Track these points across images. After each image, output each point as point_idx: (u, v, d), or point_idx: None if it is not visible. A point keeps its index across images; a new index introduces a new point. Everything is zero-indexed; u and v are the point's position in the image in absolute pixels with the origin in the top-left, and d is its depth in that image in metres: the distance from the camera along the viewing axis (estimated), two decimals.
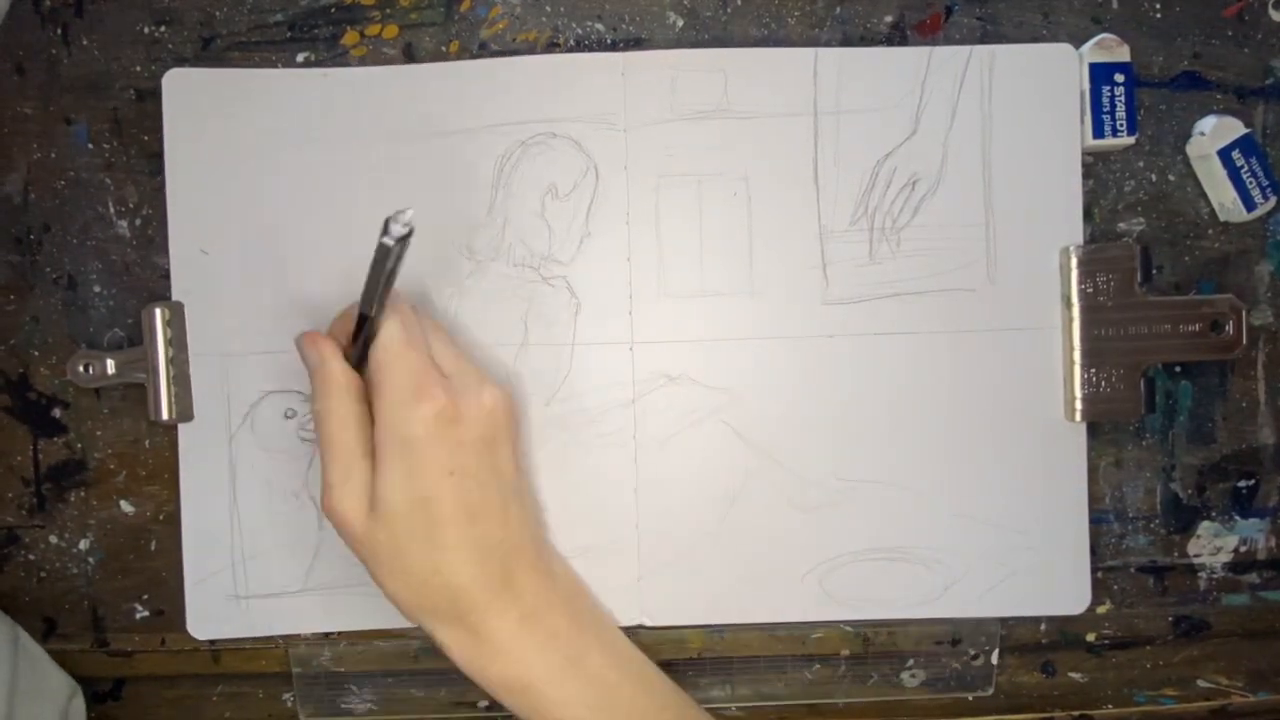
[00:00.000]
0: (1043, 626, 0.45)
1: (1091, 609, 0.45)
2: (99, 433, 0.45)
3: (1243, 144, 0.43)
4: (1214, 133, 0.43)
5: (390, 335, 0.36)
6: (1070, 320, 0.43)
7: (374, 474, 0.36)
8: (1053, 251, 0.43)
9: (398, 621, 0.44)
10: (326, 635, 0.45)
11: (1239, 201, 0.43)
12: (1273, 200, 0.43)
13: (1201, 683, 0.46)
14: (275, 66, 0.44)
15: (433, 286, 0.44)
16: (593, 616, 0.41)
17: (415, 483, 0.35)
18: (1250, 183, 0.43)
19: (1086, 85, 0.43)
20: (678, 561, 0.44)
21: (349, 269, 0.43)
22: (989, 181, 0.43)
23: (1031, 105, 0.43)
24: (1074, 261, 0.43)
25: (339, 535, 0.37)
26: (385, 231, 0.32)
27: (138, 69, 0.44)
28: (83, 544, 0.45)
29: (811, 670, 0.45)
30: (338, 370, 0.37)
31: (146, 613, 0.45)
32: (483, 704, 0.46)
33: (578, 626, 0.39)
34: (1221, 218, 0.44)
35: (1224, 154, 0.43)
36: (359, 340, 0.37)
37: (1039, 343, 0.44)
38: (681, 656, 0.45)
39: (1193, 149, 0.44)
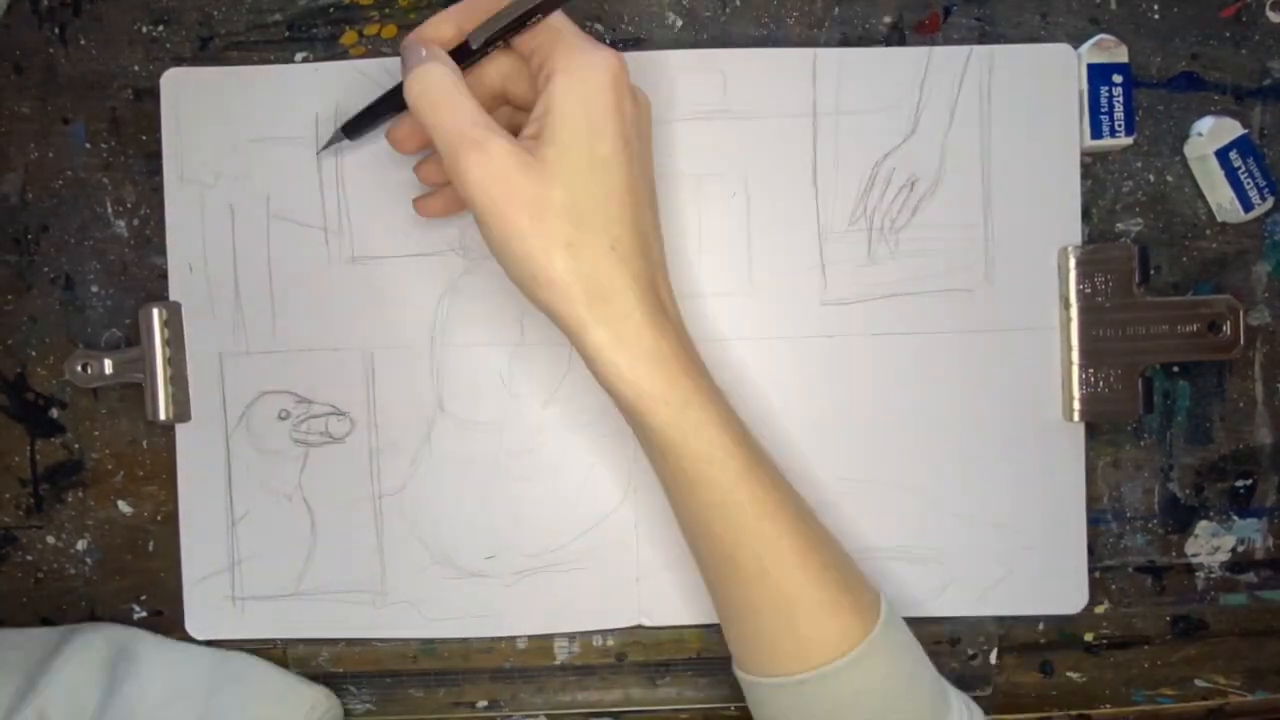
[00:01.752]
0: (1041, 626, 0.45)
1: (1089, 609, 0.45)
2: (96, 433, 0.45)
3: (1240, 145, 0.43)
4: (1211, 133, 0.43)
5: (558, 18, 0.35)
6: (1068, 321, 0.43)
7: (545, 127, 0.33)
8: (1051, 252, 0.44)
9: (390, 631, 0.44)
10: (324, 637, 0.45)
11: (1236, 202, 0.43)
12: (1270, 201, 0.44)
13: (1199, 682, 0.46)
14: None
15: (425, 285, 0.43)
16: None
17: (597, 141, 0.33)
18: (1248, 183, 0.43)
19: (1085, 86, 0.43)
20: (677, 561, 0.44)
21: (347, 265, 0.43)
22: (987, 182, 0.43)
23: (1030, 106, 0.43)
24: (1072, 262, 0.43)
25: (486, 203, 0.33)
26: None
27: (136, 69, 0.44)
28: (80, 544, 0.45)
29: None
30: (451, 66, 0.34)
31: (144, 613, 0.45)
32: (482, 704, 0.46)
33: (689, 343, 0.36)
34: (1219, 218, 0.44)
35: (1221, 154, 0.43)
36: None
37: (1037, 343, 0.44)
38: (681, 656, 0.45)
39: (1190, 150, 0.44)
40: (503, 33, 0.36)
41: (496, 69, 0.37)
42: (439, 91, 0.34)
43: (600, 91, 0.33)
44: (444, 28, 0.36)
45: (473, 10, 0.36)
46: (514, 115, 0.40)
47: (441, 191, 0.41)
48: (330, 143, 0.42)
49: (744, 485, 0.35)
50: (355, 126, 0.40)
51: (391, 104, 0.39)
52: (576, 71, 0.33)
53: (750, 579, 0.36)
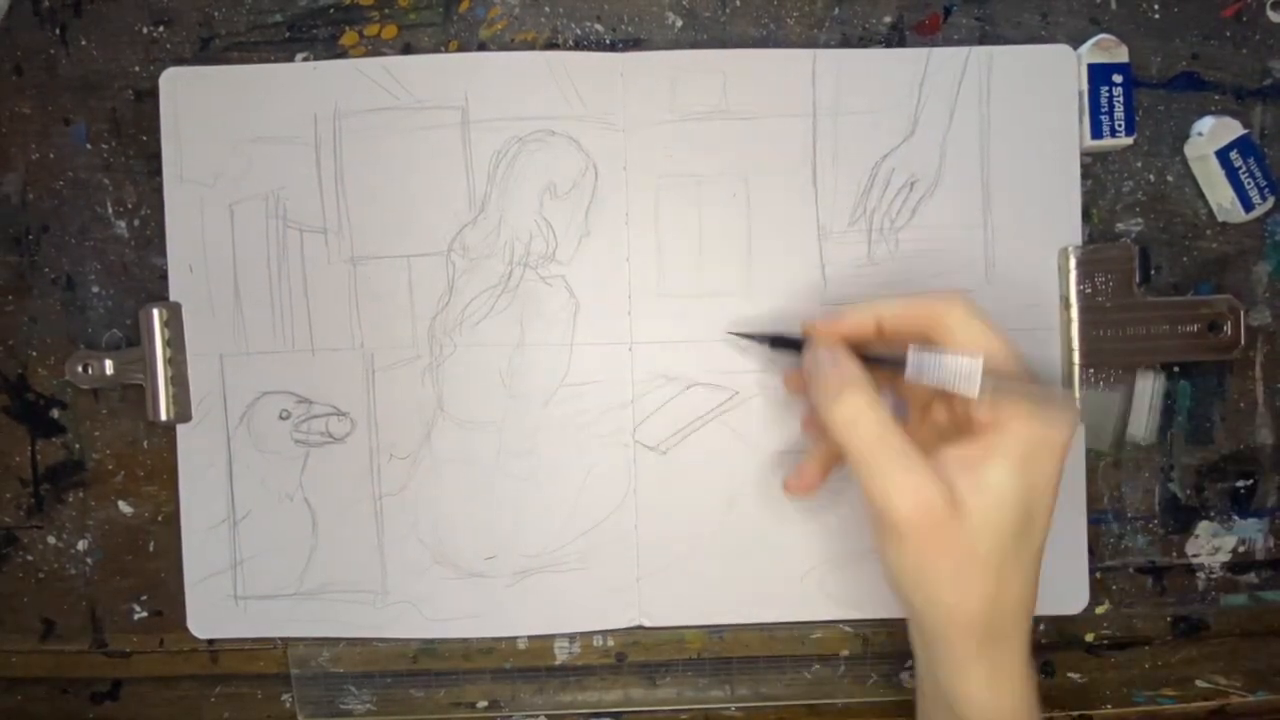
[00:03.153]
0: (1041, 627, 0.45)
1: (1090, 609, 0.45)
2: (97, 433, 0.45)
3: (1241, 144, 0.43)
4: (1212, 133, 0.43)
5: (1000, 354, 0.34)
6: (1069, 321, 0.43)
7: (983, 473, 0.33)
8: (1051, 252, 0.44)
9: (390, 630, 0.44)
10: (325, 636, 0.45)
11: (1237, 202, 0.43)
12: (1271, 200, 0.44)
13: (1200, 683, 0.46)
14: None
15: (425, 285, 0.44)
16: None
17: (1032, 497, 0.33)
18: (1248, 183, 0.43)
19: (1085, 86, 0.43)
20: (677, 562, 0.44)
21: (347, 266, 0.43)
22: (987, 182, 0.43)
23: (1030, 106, 0.43)
24: (1072, 262, 0.43)
25: (901, 540, 0.33)
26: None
27: (136, 69, 0.44)
28: (81, 544, 0.45)
29: (811, 670, 0.45)
30: (861, 373, 0.34)
31: (145, 613, 0.45)
32: (482, 704, 0.46)
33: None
34: (1220, 218, 0.44)
35: (1222, 155, 0.43)
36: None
37: (1038, 343, 0.44)
38: (681, 656, 0.45)
39: (1191, 150, 0.44)
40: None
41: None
42: (866, 430, 0.33)
43: (1049, 458, 0.33)
44: (865, 320, 0.36)
45: (896, 313, 0.36)
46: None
47: (816, 464, 0.40)
48: (748, 337, 0.42)
49: None
50: (778, 342, 0.40)
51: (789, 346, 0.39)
52: (1030, 433, 0.33)
53: None
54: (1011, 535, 0.33)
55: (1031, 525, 0.33)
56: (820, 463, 0.40)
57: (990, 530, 0.33)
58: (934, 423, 0.38)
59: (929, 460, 0.33)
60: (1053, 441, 0.33)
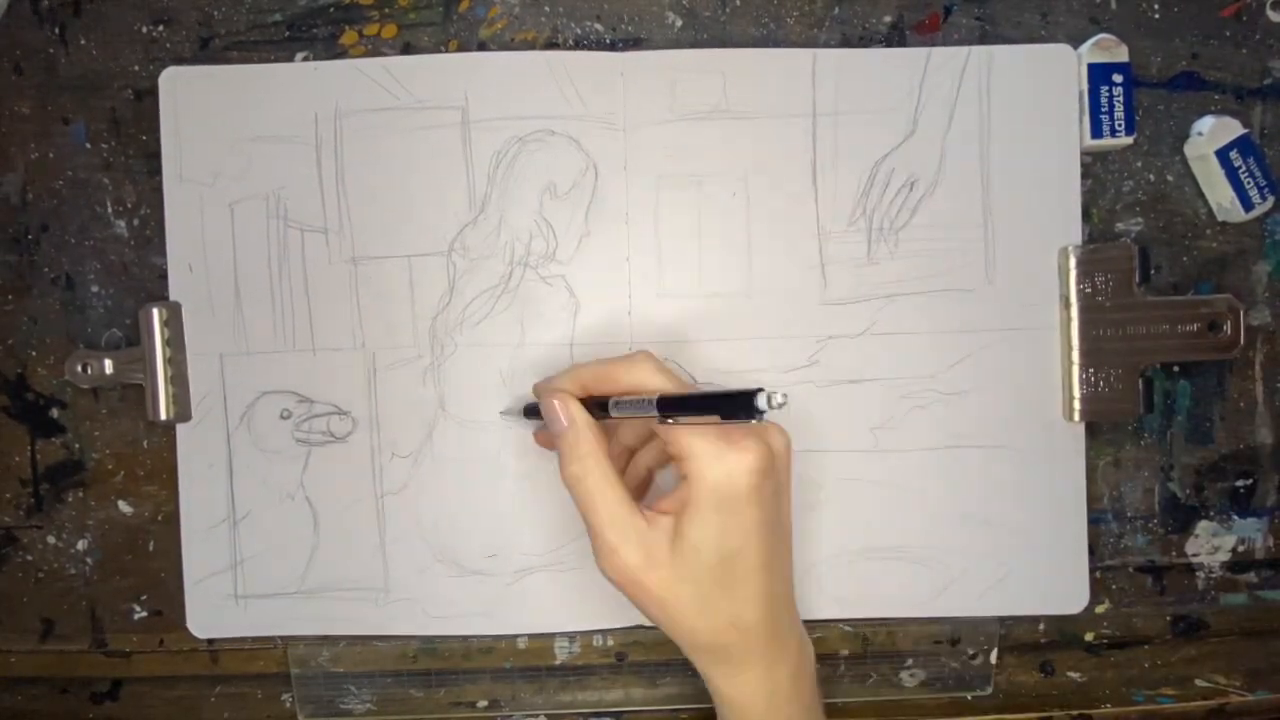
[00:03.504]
0: (1041, 626, 0.45)
1: (1090, 608, 0.45)
2: (97, 433, 0.45)
3: (1240, 144, 0.43)
4: (1212, 133, 0.43)
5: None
6: (1069, 320, 0.43)
7: (680, 527, 0.35)
8: (1051, 252, 0.44)
9: (392, 628, 0.44)
10: (325, 636, 0.45)
11: (1237, 201, 0.43)
12: (1270, 200, 0.44)
13: (1199, 682, 0.46)
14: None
15: (425, 285, 0.43)
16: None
17: (728, 538, 0.35)
18: (1248, 183, 0.43)
19: (1085, 85, 0.43)
20: None
21: (348, 265, 0.43)
22: (987, 182, 0.43)
23: (1030, 105, 0.43)
24: (1072, 262, 0.43)
25: (620, 589, 0.36)
26: (758, 405, 0.30)
27: (136, 68, 0.44)
28: (81, 544, 0.45)
29: None
30: (592, 434, 0.36)
31: (145, 613, 0.45)
32: (482, 704, 0.46)
33: (805, 689, 0.39)
34: (1219, 218, 0.44)
35: (1222, 154, 0.43)
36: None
37: (1037, 343, 0.44)
38: (681, 656, 0.45)
39: (1191, 149, 0.44)
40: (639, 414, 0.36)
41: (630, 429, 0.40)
42: (586, 486, 0.36)
43: (735, 498, 0.34)
44: (590, 379, 0.38)
45: (613, 375, 0.37)
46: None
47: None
48: (510, 412, 0.43)
49: None
50: (530, 412, 0.41)
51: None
52: (709, 477, 0.34)
53: None
54: (710, 579, 0.35)
55: (734, 562, 0.35)
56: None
57: (683, 580, 0.35)
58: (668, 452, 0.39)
59: (638, 517, 0.35)
60: (736, 481, 0.34)
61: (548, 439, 0.42)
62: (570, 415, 0.37)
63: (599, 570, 0.36)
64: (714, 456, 0.34)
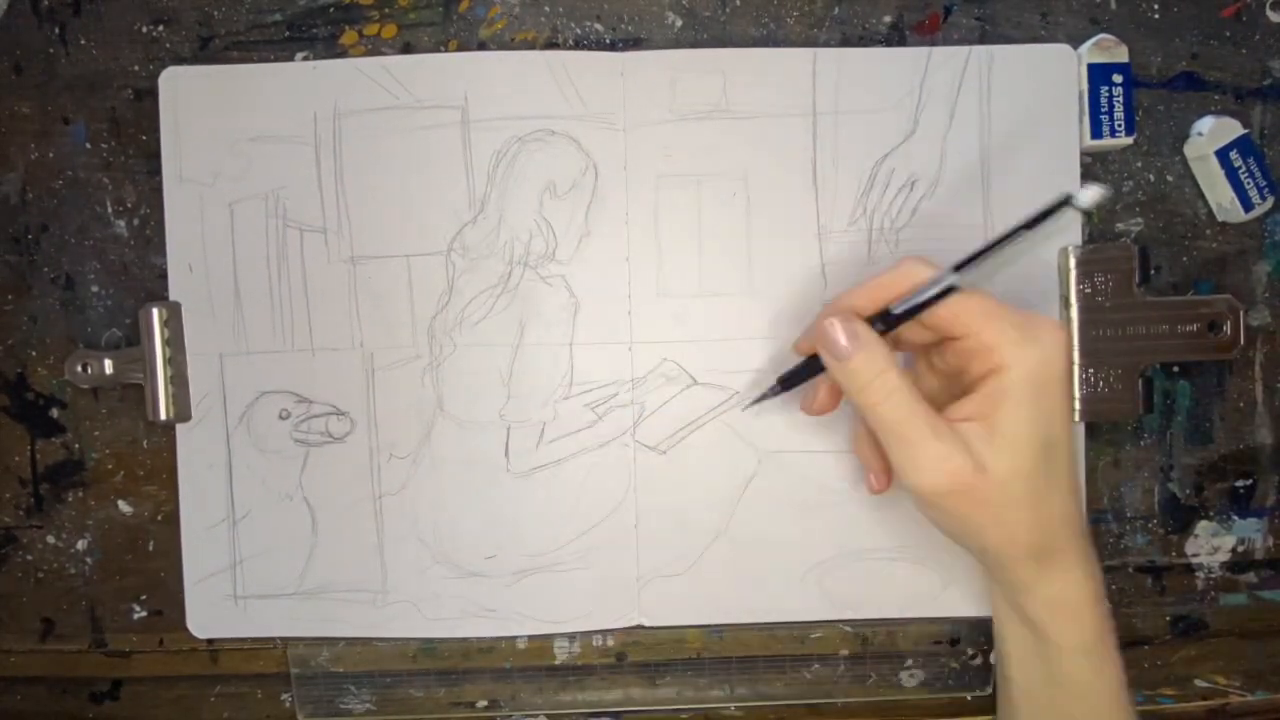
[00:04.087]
0: None
1: None
2: (97, 433, 0.45)
3: (1240, 144, 0.43)
4: (1212, 133, 0.43)
5: (979, 291, 0.36)
6: (1068, 321, 0.43)
7: (996, 424, 0.34)
8: (1051, 252, 0.44)
9: (390, 629, 0.44)
10: (324, 636, 0.45)
11: (1237, 202, 0.43)
12: (1270, 200, 0.44)
13: (1199, 682, 0.46)
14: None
15: (425, 285, 0.43)
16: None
17: (1048, 426, 0.34)
18: (1248, 183, 0.43)
19: (1085, 86, 0.43)
20: (677, 561, 0.44)
21: (347, 265, 0.43)
22: (987, 182, 0.43)
23: (1030, 106, 0.43)
24: (1072, 262, 0.43)
25: (937, 504, 0.35)
26: (1069, 201, 0.31)
27: (136, 68, 0.44)
28: (80, 544, 0.45)
29: (811, 670, 0.45)
30: (886, 348, 0.35)
31: (145, 613, 0.45)
32: (482, 704, 0.46)
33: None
34: (1219, 218, 0.44)
35: (1222, 154, 0.43)
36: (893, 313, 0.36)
37: None
38: (681, 656, 0.45)
39: (1190, 149, 0.44)
40: (924, 305, 0.36)
41: (912, 333, 0.38)
42: (896, 400, 0.35)
43: (1051, 381, 0.34)
44: (861, 301, 0.37)
45: (873, 295, 0.37)
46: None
47: (829, 391, 0.41)
48: (762, 398, 0.41)
49: None
50: (788, 380, 0.40)
51: (813, 370, 0.39)
52: (1025, 362, 0.34)
53: None
54: (1038, 470, 0.34)
55: (1054, 450, 0.35)
56: (832, 392, 0.41)
57: (1016, 475, 0.34)
58: (938, 372, 0.39)
59: (948, 425, 0.35)
60: (1051, 364, 0.34)
61: (825, 397, 0.40)
62: (855, 333, 0.35)
63: (914, 491, 0.35)
64: (1025, 342, 0.34)
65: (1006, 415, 0.34)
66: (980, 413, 0.35)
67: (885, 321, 0.36)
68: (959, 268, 0.35)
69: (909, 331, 0.38)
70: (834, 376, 0.37)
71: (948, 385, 0.39)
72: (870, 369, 0.35)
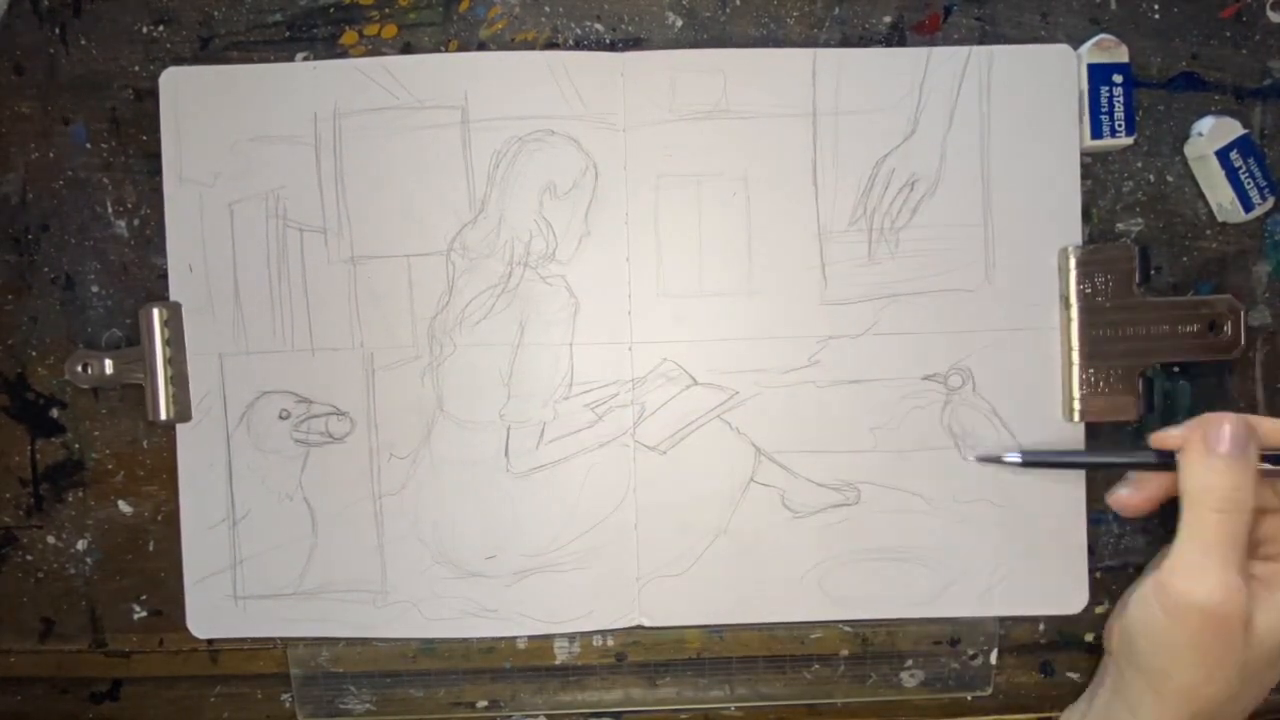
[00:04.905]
0: (1041, 626, 0.45)
1: (1090, 609, 0.45)
2: (97, 433, 0.45)
3: (1241, 144, 0.43)
4: (1212, 133, 0.43)
5: None
6: (1069, 321, 0.43)
7: (1272, 595, 0.35)
8: (1051, 252, 0.44)
9: (390, 630, 0.44)
10: (324, 637, 0.45)
11: (1237, 202, 0.43)
12: (1271, 200, 0.44)
13: None
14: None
15: (425, 285, 0.43)
16: None
17: None
18: (1248, 183, 0.43)
19: (1085, 86, 0.43)
20: (676, 561, 0.44)
21: (347, 265, 0.43)
22: (987, 182, 0.43)
23: (1030, 106, 0.43)
24: (1072, 262, 0.43)
25: (1182, 616, 0.35)
26: None
27: (136, 69, 0.44)
28: (80, 544, 0.45)
29: (810, 670, 0.45)
30: (1254, 473, 0.36)
31: (145, 613, 0.45)
32: (482, 704, 0.46)
33: None
34: (1220, 218, 0.44)
35: (1222, 155, 0.43)
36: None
37: (1038, 343, 0.44)
38: (681, 656, 0.45)
39: (1191, 150, 0.44)
40: None
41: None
42: (1230, 501, 0.35)
43: None
44: (1266, 428, 0.37)
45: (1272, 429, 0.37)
46: None
47: (1147, 495, 0.41)
48: (996, 459, 0.42)
49: None
50: (1045, 460, 0.41)
51: (1148, 466, 0.40)
52: None
53: None
54: (1273, 665, 0.36)
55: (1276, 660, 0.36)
56: (1153, 495, 0.41)
57: (1263, 649, 0.35)
58: (1262, 529, 0.39)
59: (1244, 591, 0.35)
60: None
61: (1141, 496, 0.41)
62: (1244, 440, 0.36)
63: (1179, 594, 0.35)
64: None
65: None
66: (1268, 580, 0.36)
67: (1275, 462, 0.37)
68: None
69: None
70: (1188, 465, 0.37)
71: (1253, 547, 0.38)
72: (1231, 478, 0.35)
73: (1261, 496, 0.37)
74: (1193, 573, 0.35)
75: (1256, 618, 0.35)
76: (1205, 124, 0.43)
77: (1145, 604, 0.37)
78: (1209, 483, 0.36)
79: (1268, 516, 0.38)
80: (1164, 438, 0.39)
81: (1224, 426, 0.36)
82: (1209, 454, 0.36)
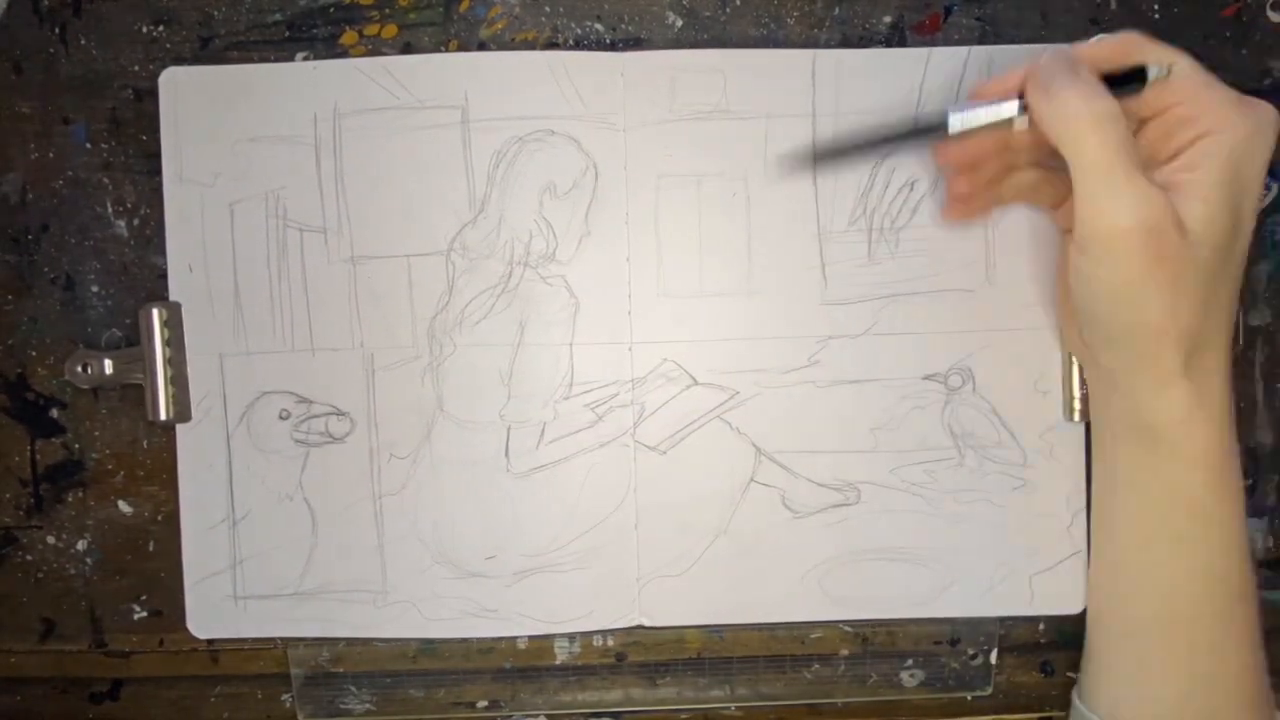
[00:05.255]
0: (1041, 626, 0.45)
1: None
2: (97, 433, 0.45)
3: None
4: None
5: (1196, 68, 0.35)
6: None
7: (1197, 183, 0.33)
8: (1051, 252, 0.43)
9: (390, 630, 0.44)
10: (324, 637, 0.45)
11: None
12: (1275, 187, 0.43)
13: None
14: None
15: (425, 285, 0.43)
16: None
17: (1241, 203, 0.33)
18: None
19: None
20: (677, 561, 0.44)
21: (347, 265, 0.43)
22: None
23: None
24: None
25: (1119, 251, 0.33)
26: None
27: (136, 69, 0.44)
28: (80, 544, 0.45)
29: (811, 670, 0.45)
30: (1103, 88, 0.34)
31: (145, 613, 0.45)
32: (482, 704, 0.46)
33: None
34: None
35: None
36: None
37: (1038, 343, 0.44)
38: (681, 656, 0.45)
39: None
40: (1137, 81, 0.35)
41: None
42: (1094, 116, 0.33)
43: (1257, 155, 0.34)
44: (1081, 56, 0.35)
45: (1103, 52, 0.35)
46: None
47: (979, 195, 0.40)
48: (897, 137, 0.39)
49: (1239, 561, 0.36)
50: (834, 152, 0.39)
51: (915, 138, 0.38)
52: (1237, 129, 0.33)
53: (1197, 648, 0.37)
54: (1225, 245, 0.33)
55: (1240, 231, 0.34)
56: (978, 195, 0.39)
57: (1206, 241, 0.33)
58: (1144, 144, 0.37)
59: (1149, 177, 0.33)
60: (1260, 138, 0.34)
61: (961, 147, 0.38)
62: (1076, 70, 0.34)
63: (1103, 233, 0.33)
64: (1241, 111, 0.33)
65: (1209, 178, 0.33)
66: (1178, 178, 0.34)
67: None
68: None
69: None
70: (1037, 113, 0.34)
71: (1147, 159, 0.36)
72: (1084, 97, 0.33)
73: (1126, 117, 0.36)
74: (1104, 203, 0.33)
75: (1184, 217, 0.33)
76: None
77: (1081, 270, 0.35)
78: (1069, 110, 0.33)
79: (1143, 129, 0.36)
80: (998, 84, 0.37)
81: (1056, 66, 0.34)
82: (1050, 93, 0.34)
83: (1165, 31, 0.43)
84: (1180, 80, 0.35)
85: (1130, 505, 0.38)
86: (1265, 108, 0.34)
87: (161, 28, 0.44)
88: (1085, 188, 0.33)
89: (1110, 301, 0.35)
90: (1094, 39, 0.36)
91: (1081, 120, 0.33)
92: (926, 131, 0.38)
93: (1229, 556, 0.36)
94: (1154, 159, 0.36)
